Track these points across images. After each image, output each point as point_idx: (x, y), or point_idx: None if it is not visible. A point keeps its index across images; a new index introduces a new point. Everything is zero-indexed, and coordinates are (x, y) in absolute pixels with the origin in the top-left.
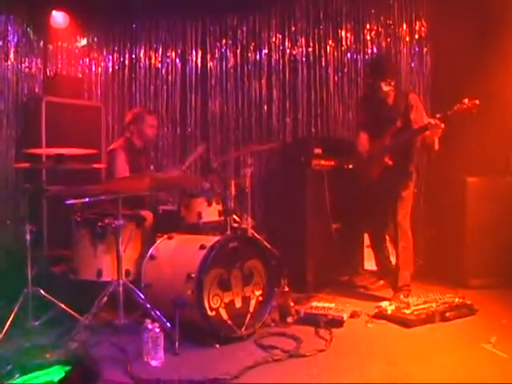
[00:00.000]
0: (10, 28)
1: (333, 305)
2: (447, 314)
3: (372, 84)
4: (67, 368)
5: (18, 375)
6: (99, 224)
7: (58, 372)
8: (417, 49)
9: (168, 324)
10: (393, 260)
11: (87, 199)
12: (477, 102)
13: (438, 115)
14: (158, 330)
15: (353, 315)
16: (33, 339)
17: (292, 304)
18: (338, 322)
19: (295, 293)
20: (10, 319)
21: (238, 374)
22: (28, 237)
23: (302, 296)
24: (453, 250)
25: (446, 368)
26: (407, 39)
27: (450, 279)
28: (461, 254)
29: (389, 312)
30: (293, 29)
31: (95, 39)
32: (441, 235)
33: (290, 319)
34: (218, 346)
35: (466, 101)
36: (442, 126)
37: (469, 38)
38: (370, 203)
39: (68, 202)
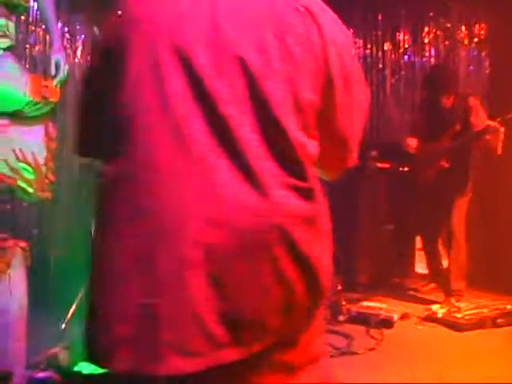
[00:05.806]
0: (78, 27)
1: (384, 305)
2: (499, 321)
3: (431, 96)
4: None
5: None
6: None
7: None
8: (475, 52)
9: None
10: (444, 264)
11: None
12: None
13: (498, 119)
14: None
15: (403, 317)
16: None
17: (344, 303)
18: (388, 323)
19: (347, 292)
20: (76, 302)
21: None
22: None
23: (353, 296)
24: (506, 258)
25: (495, 374)
26: (466, 42)
27: (502, 287)
28: None
29: (439, 315)
30: (350, 30)
31: None
32: (495, 242)
33: (341, 317)
34: None
35: None
36: (502, 129)
37: None
38: (423, 206)
39: None
